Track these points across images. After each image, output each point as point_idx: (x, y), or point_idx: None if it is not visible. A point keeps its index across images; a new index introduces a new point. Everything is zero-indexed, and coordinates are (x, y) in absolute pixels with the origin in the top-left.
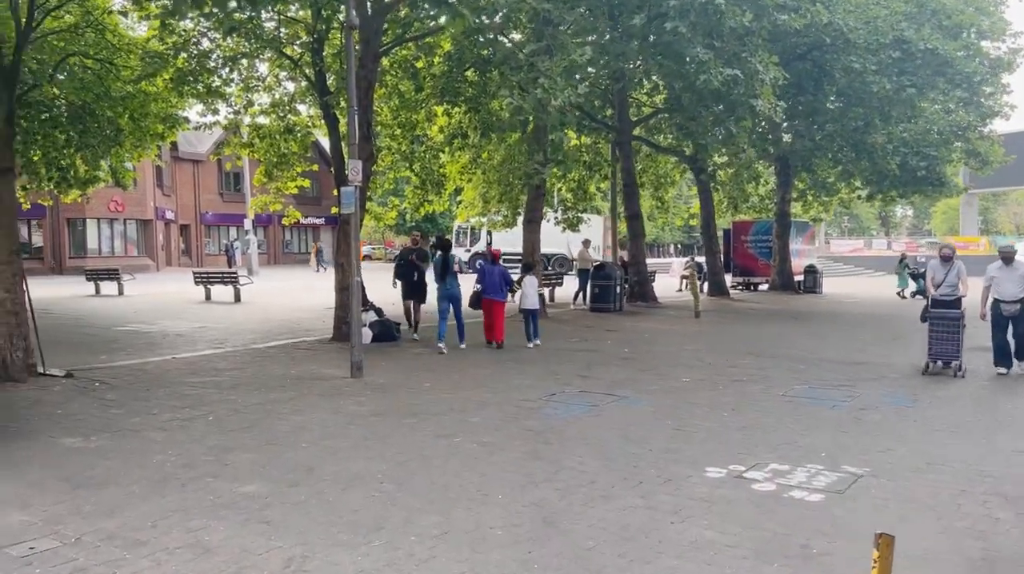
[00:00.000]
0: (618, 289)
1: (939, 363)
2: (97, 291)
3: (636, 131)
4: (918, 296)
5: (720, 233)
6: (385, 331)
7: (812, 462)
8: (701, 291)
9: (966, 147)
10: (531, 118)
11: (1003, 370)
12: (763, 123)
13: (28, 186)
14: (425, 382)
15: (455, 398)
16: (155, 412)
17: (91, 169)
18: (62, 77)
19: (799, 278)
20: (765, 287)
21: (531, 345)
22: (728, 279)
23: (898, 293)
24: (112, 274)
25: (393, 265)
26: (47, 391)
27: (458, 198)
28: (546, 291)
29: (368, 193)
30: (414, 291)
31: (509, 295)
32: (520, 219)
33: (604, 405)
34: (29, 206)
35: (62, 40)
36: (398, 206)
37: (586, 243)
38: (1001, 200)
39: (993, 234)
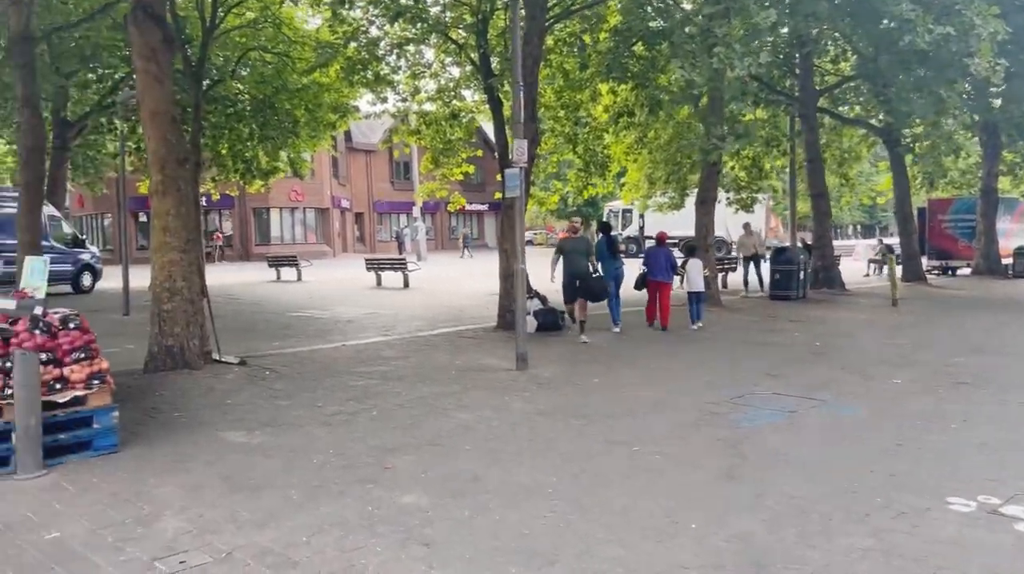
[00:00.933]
0: (801, 275)
1: None
2: (278, 277)
3: (820, 102)
4: None
5: (914, 212)
6: (550, 320)
7: None
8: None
9: None
10: (704, 91)
11: None
12: (969, 87)
13: (217, 178)
14: (593, 376)
15: (627, 396)
16: (320, 405)
17: (271, 160)
18: (244, 73)
19: (1007, 261)
20: (967, 271)
21: (694, 327)
22: (923, 262)
23: None
24: (291, 261)
25: (553, 255)
26: (219, 379)
27: (621, 180)
28: (719, 277)
29: (531, 177)
30: (588, 292)
31: (676, 279)
32: (687, 201)
33: (803, 411)
34: (218, 196)
35: (243, 36)
36: (561, 190)
37: (746, 227)
38: None
39: None
